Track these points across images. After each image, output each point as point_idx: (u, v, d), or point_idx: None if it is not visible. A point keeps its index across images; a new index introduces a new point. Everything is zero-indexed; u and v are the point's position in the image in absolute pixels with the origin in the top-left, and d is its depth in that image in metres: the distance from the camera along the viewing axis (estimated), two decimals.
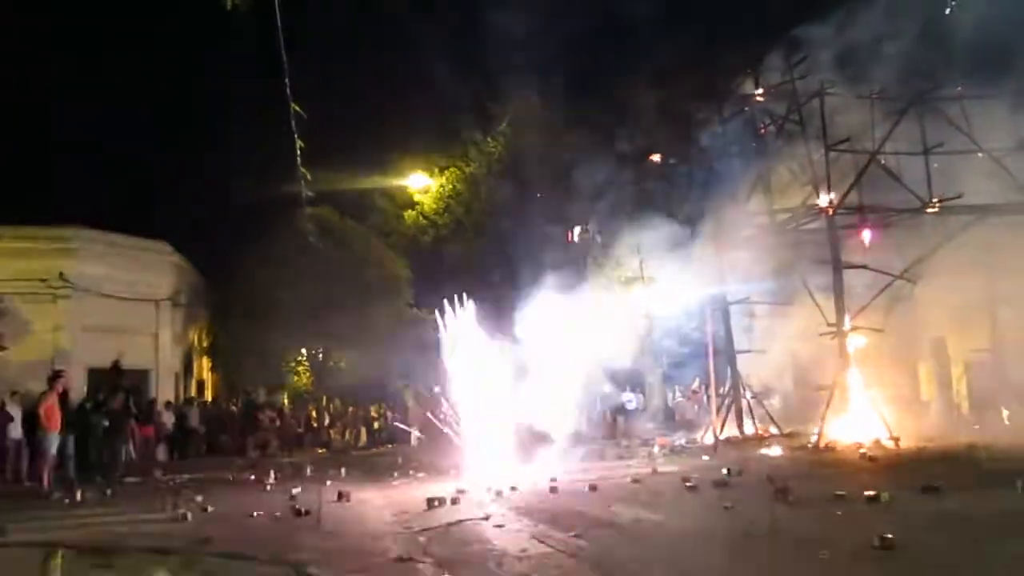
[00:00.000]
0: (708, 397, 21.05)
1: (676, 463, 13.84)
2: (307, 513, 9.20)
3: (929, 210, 16.53)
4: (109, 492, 12.18)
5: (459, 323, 14.70)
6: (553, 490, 10.68)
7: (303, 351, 26.04)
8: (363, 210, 28.20)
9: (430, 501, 9.65)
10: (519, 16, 19.75)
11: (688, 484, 10.31)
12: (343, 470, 14.59)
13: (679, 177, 21.02)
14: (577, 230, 25.95)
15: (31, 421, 13.94)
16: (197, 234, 25.59)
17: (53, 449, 13.19)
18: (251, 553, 6.81)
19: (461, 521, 8.40)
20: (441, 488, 11.07)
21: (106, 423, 15.64)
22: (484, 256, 28.25)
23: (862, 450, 13.87)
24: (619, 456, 15.86)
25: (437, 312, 15.30)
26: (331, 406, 27.39)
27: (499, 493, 10.65)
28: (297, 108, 9.44)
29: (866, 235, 17.28)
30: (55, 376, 14.15)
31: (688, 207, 20.02)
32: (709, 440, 17.72)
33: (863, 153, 16.62)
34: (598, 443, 18.08)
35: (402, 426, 22.43)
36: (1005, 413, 17.77)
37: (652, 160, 22.23)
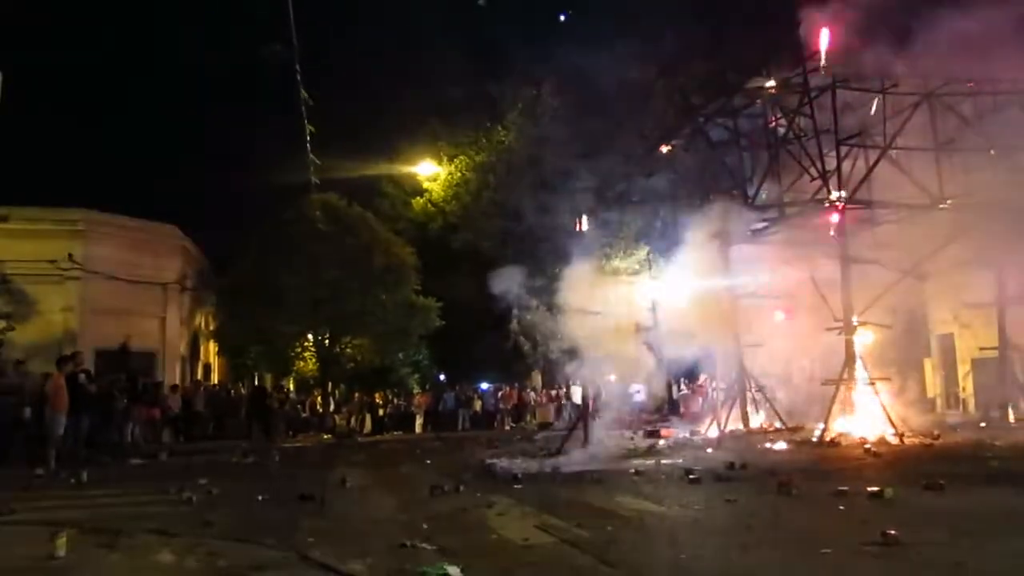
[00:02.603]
0: (713, 390, 21.03)
1: (680, 455, 13.83)
2: (311, 497, 9.25)
3: (939, 206, 16.44)
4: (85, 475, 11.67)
5: None
6: (556, 479, 10.70)
7: (309, 336, 26.13)
8: (371, 197, 28.23)
9: (433, 488, 9.69)
10: (531, 4, 19.70)
11: (691, 476, 10.31)
12: (348, 455, 14.62)
13: (689, 169, 20.92)
14: (585, 219, 25.88)
15: (39, 402, 13.99)
16: (205, 218, 25.72)
17: (60, 430, 13.26)
18: (254, 536, 6.85)
19: (464, 509, 8.43)
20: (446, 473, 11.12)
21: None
22: (491, 244, 28.24)
23: (866, 446, 13.85)
24: (622, 447, 15.86)
25: None
26: (336, 392, 27.52)
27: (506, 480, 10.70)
28: (306, 94, 9.46)
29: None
30: (64, 358, 14.24)
31: (697, 199, 19.95)
32: (713, 433, 17.72)
33: (874, 148, 16.53)
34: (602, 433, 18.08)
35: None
36: (1011, 412, 17.72)
37: (662, 151, 22.11)
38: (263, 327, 23.71)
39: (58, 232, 20.11)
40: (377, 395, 27.50)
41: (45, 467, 12.73)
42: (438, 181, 29.71)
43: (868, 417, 15.53)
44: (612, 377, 19.12)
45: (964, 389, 21.00)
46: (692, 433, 17.87)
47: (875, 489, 8.29)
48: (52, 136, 26.65)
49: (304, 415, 25.45)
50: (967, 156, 16.80)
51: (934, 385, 22.14)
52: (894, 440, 14.56)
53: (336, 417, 25.34)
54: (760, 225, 18.36)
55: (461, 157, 29.41)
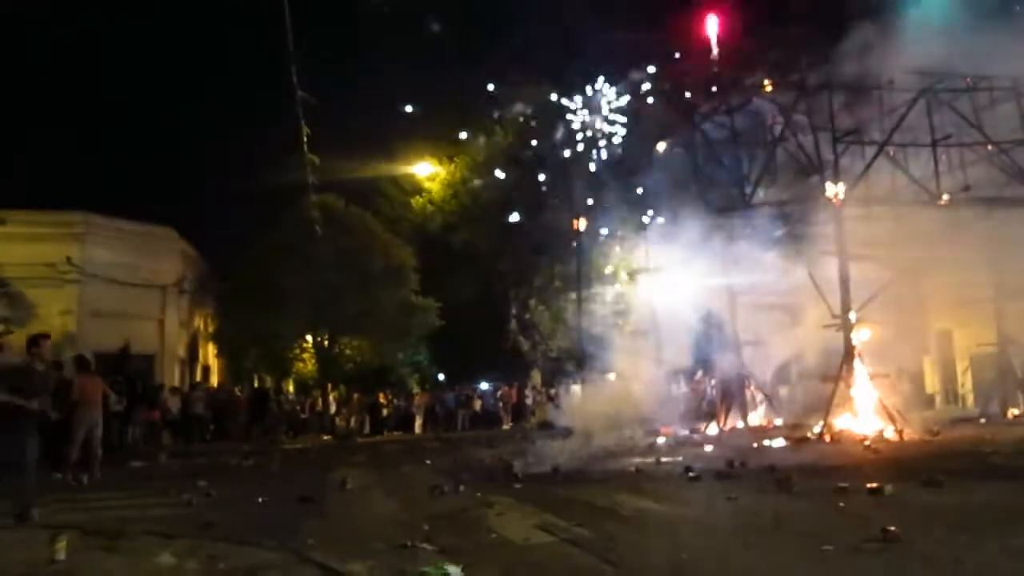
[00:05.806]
0: (712, 388, 21.05)
1: (679, 453, 13.84)
2: (311, 499, 9.25)
3: (937, 203, 16.45)
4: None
5: None
6: (557, 479, 10.71)
7: (308, 338, 26.09)
8: (369, 197, 28.22)
9: (433, 488, 9.69)
10: (528, 3, 19.72)
11: (691, 474, 10.32)
12: (348, 456, 14.61)
13: (686, 167, 20.90)
14: (584, 220, 25.90)
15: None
16: (203, 221, 25.75)
17: (82, 432, 13.11)
18: (255, 538, 6.85)
19: (464, 509, 8.43)
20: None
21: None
22: (491, 244, 28.26)
23: (866, 442, 13.86)
24: (623, 445, 15.86)
25: None
26: (336, 393, 27.51)
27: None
28: (304, 94, 9.45)
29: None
30: (81, 357, 14.08)
31: (695, 197, 19.94)
32: (713, 431, 17.73)
33: (871, 144, 16.54)
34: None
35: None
36: (1010, 407, 17.75)
37: (659, 150, 22.11)
38: (262, 329, 23.68)
39: (56, 235, 20.09)
40: (377, 396, 27.50)
41: (63, 469, 12.62)
42: (437, 180, 29.71)
43: (867, 414, 15.55)
44: (612, 375, 19.16)
45: (963, 385, 21.03)
46: (691, 431, 17.87)
47: (875, 486, 8.29)
48: (50, 139, 26.65)
49: (304, 416, 25.43)
50: (964, 152, 16.81)
51: (933, 381, 22.17)
52: (893, 437, 14.58)
53: (336, 418, 25.33)
54: (758, 221, 18.36)
55: (460, 156, 29.41)
